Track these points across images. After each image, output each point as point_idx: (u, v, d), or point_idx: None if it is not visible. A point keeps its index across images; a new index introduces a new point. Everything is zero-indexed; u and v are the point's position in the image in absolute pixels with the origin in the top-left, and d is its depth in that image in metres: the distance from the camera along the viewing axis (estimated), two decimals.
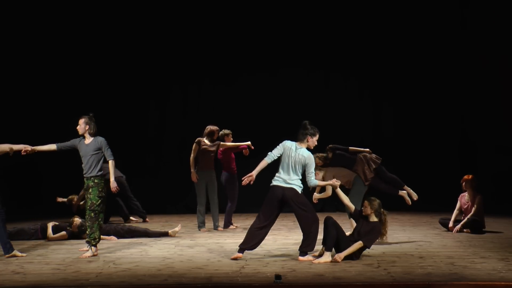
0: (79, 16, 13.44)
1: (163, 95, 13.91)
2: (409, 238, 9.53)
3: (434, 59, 13.78)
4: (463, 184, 10.19)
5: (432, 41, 13.73)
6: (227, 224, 11.09)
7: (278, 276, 6.68)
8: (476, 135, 13.64)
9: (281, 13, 13.77)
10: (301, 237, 8.01)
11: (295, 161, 7.90)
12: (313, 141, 8.02)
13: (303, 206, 7.88)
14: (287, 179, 7.90)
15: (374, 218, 8.10)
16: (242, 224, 11.28)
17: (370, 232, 7.96)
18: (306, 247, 7.91)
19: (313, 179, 7.93)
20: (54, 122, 12.95)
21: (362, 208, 8.19)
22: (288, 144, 8.01)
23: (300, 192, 7.94)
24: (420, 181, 13.47)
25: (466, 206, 10.16)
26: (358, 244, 7.87)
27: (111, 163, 8.42)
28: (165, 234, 9.99)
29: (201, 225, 10.76)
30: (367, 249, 8.47)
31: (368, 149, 9.67)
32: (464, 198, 10.23)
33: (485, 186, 11.39)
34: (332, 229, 7.85)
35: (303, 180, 8.03)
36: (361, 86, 14.06)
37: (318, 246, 8.03)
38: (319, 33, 13.83)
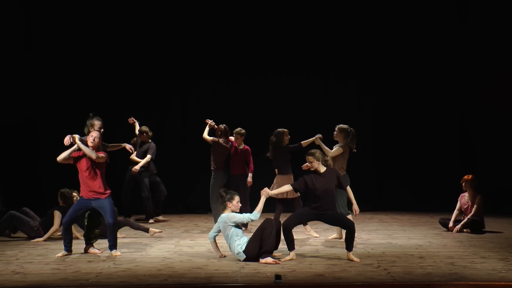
0: (79, 18, 13.44)
1: (163, 94, 13.86)
2: (409, 238, 9.52)
3: (434, 59, 13.69)
4: (463, 184, 10.17)
5: (431, 39, 13.65)
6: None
7: (278, 276, 6.68)
8: (477, 134, 13.60)
9: (280, 16, 13.74)
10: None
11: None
12: (234, 204, 7.92)
13: None
14: None
15: (323, 168, 7.83)
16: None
17: (335, 179, 7.76)
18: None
19: (249, 217, 7.81)
20: (54, 123, 12.93)
21: (308, 165, 7.81)
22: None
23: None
24: (420, 181, 13.51)
25: (466, 206, 10.15)
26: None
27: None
28: (146, 230, 9.90)
29: None
30: (367, 249, 8.46)
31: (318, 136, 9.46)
32: (464, 198, 10.21)
33: (485, 186, 11.35)
34: (287, 232, 7.71)
35: None
36: (360, 86, 13.99)
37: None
38: (317, 36, 13.75)
